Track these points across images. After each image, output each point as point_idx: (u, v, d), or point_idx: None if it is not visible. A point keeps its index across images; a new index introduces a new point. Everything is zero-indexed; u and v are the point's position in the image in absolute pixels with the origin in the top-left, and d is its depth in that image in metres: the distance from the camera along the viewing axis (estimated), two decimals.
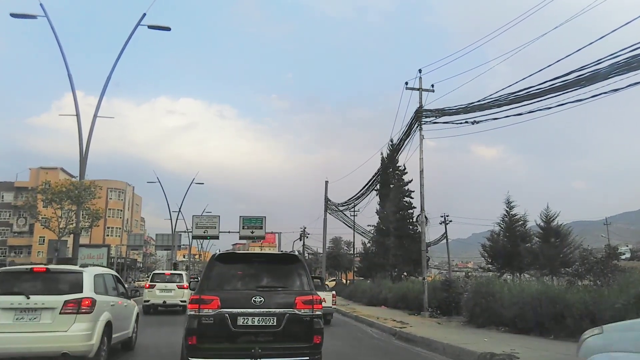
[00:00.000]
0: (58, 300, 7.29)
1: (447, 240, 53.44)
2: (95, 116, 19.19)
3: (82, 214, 17.15)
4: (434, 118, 18.28)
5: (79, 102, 18.91)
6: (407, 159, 25.82)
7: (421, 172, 19.32)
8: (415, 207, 41.51)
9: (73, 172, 17.89)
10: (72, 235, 17.88)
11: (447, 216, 52.77)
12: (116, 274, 10.16)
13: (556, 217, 23.10)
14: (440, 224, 52.90)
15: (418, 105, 19.65)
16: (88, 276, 7.96)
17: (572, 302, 11.77)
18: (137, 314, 10.60)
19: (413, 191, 41.09)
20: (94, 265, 10.12)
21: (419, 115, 19.34)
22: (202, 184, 50.78)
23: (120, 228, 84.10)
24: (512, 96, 12.85)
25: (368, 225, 45.94)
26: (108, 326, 8.05)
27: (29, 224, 71.30)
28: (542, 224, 23.28)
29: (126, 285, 10.95)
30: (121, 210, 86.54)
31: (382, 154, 40.49)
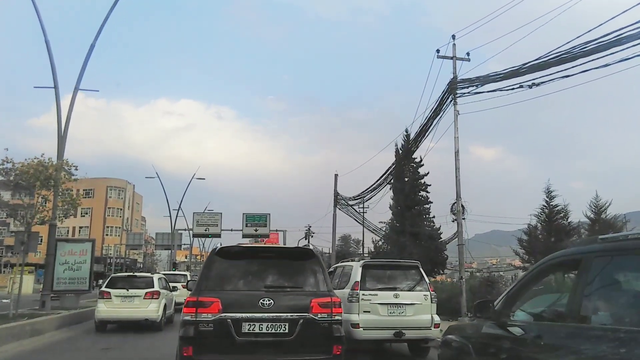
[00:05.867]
0: (142, 292, 13.40)
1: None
2: (76, 88, 16.65)
3: (59, 201, 14.40)
4: (474, 88, 15.50)
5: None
6: (428, 149, 22.92)
7: (456, 153, 16.59)
8: (432, 202, 38.80)
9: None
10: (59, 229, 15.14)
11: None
12: (164, 277, 17.08)
13: (608, 207, 20.34)
14: (453, 221, 50.02)
15: (452, 76, 16.90)
16: (155, 278, 14.42)
17: None
18: (174, 301, 16.21)
19: (430, 185, 38.43)
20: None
21: (453, 87, 16.59)
22: (204, 179, 48.05)
23: (119, 227, 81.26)
24: (592, 44, 10.10)
25: (380, 222, 43.21)
26: (164, 306, 13.94)
27: (27, 223, 68.91)
28: (591, 215, 20.52)
29: None
30: (121, 209, 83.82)
31: (396, 145, 37.84)
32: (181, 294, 18.66)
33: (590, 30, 10.11)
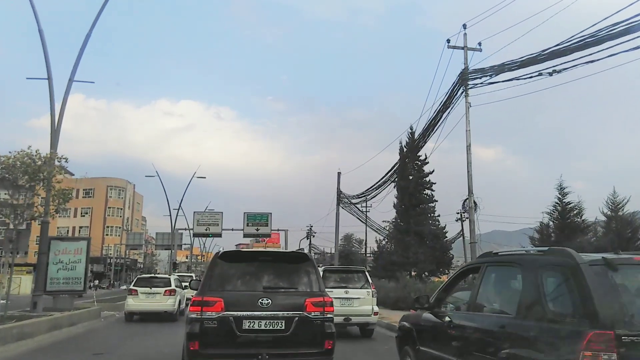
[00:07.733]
0: (162, 289, 16.61)
1: (465, 237, 49.76)
2: (71, 80, 15.95)
3: (49, 196, 13.67)
4: (487, 78, 14.77)
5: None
6: (435, 147, 22.16)
7: (468, 147, 15.88)
8: (437, 201, 38.05)
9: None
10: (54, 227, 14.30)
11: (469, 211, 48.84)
12: (178, 277, 20.79)
13: (626, 203, 19.49)
14: (457, 220, 49.29)
15: (463, 67, 16.19)
16: (172, 278, 18.08)
17: None
18: (186, 297, 18.07)
19: (434, 183, 37.70)
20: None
21: (464, 78, 15.86)
22: (204, 177, 47.42)
23: (120, 227, 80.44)
24: (621, 25, 9.38)
25: (383, 221, 42.45)
26: (179, 301, 17.18)
27: (27, 223, 67.73)
28: (608, 212, 19.69)
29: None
30: (121, 209, 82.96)
31: (400, 142, 37.14)
32: (191, 291, 20.52)
33: (619, 11, 9.38)
